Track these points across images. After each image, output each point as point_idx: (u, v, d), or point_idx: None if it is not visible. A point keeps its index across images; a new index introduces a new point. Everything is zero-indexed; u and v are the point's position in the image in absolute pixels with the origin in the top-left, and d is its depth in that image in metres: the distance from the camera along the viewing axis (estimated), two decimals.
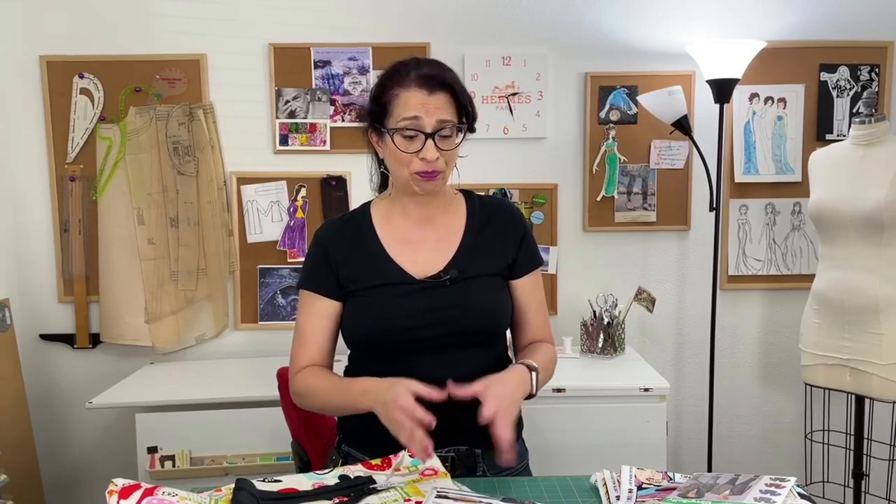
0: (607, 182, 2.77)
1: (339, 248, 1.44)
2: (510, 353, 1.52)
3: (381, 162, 1.47)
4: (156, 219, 2.70)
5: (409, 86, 1.33)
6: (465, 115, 1.37)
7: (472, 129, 1.42)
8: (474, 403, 1.40)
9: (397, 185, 1.43)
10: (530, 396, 1.34)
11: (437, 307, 1.36)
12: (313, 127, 2.73)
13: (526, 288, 1.47)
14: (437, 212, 1.44)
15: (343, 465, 1.35)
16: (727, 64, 2.48)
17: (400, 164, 1.35)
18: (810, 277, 2.45)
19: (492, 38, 2.73)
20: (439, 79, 1.34)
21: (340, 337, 1.48)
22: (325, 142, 2.74)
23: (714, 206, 2.59)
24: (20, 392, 2.62)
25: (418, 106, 1.32)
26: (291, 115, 2.73)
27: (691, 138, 2.61)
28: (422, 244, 1.42)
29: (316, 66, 2.71)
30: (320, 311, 1.43)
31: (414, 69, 1.35)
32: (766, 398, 2.92)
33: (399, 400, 1.20)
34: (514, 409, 1.25)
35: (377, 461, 1.27)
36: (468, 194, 1.50)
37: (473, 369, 1.40)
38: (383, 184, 1.52)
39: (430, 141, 1.31)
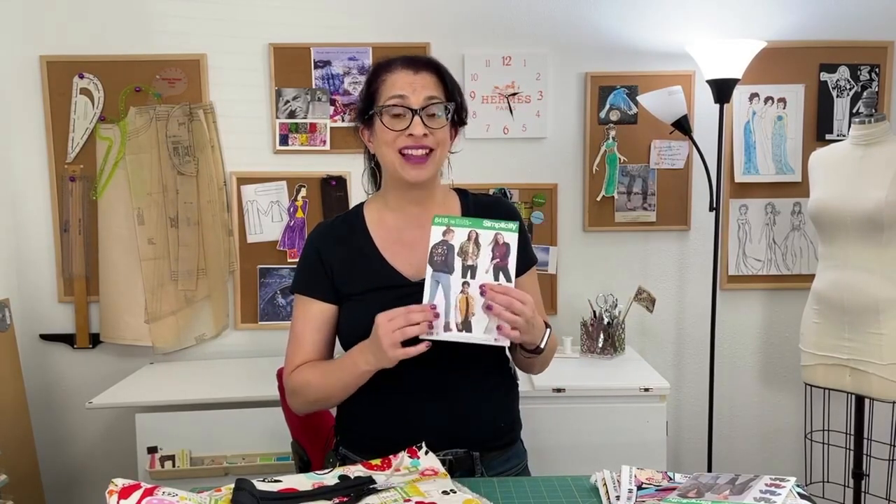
0: (607, 182, 2.77)
1: (332, 250, 1.43)
2: (507, 353, 1.51)
3: (372, 159, 1.47)
4: (156, 219, 2.70)
5: (395, 69, 1.37)
6: (453, 101, 1.38)
7: (462, 121, 1.43)
8: (473, 405, 1.41)
9: (387, 176, 1.42)
10: (536, 350, 1.34)
11: None
12: (313, 127, 2.73)
13: (524, 286, 1.46)
14: (430, 210, 1.43)
15: (342, 466, 1.35)
16: (727, 64, 2.48)
17: (388, 147, 1.35)
18: (810, 277, 2.45)
19: (492, 38, 2.73)
20: (424, 59, 1.39)
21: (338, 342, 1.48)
22: (325, 142, 2.74)
23: (714, 206, 2.59)
24: (20, 392, 2.62)
25: (405, 85, 1.34)
26: (291, 115, 2.73)
27: (691, 138, 2.61)
28: (416, 245, 1.40)
29: (316, 66, 2.71)
30: (315, 315, 1.43)
31: (400, 57, 1.39)
32: (766, 398, 2.92)
33: (380, 318, 1.23)
34: (527, 311, 1.24)
35: (377, 461, 1.27)
36: (462, 193, 1.50)
37: (470, 372, 1.40)
38: (378, 188, 1.52)
39: (416, 117, 1.32)
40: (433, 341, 1.25)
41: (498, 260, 1.26)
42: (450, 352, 1.35)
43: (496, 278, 1.26)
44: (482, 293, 1.24)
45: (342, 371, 1.34)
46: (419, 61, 1.37)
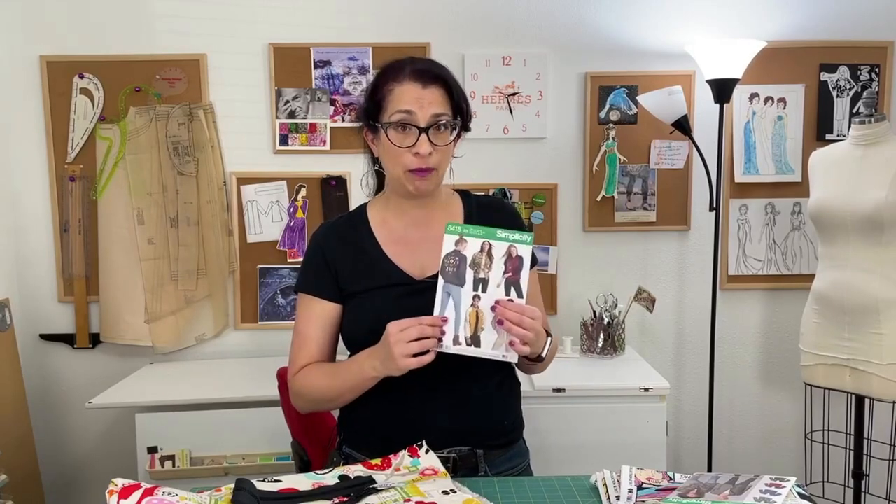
0: (607, 182, 2.77)
1: (336, 250, 1.43)
2: None
3: (375, 162, 1.47)
4: (156, 219, 2.70)
5: (403, 80, 1.34)
6: (460, 113, 1.37)
7: (466, 128, 1.42)
8: (477, 403, 1.41)
9: (392, 185, 1.43)
10: (538, 359, 1.34)
11: None
12: (313, 127, 2.73)
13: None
14: (433, 212, 1.44)
15: (344, 465, 1.35)
16: (727, 64, 2.48)
17: (393, 161, 1.35)
18: (810, 277, 2.45)
19: (492, 38, 2.73)
20: (433, 73, 1.36)
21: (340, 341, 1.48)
22: (325, 142, 2.74)
23: (714, 206, 2.59)
24: (20, 392, 2.62)
25: (412, 100, 1.32)
26: (291, 115, 2.73)
27: (691, 138, 2.61)
28: (420, 245, 1.41)
29: (316, 66, 2.71)
30: (320, 314, 1.43)
31: (409, 65, 1.36)
32: (766, 398, 2.92)
33: (391, 327, 1.24)
34: (536, 326, 1.25)
35: (377, 461, 1.27)
36: (465, 194, 1.50)
37: (475, 368, 1.40)
38: (380, 187, 1.52)
39: (423, 135, 1.31)
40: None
41: (510, 274, 1.25)
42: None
43: (507, 293, 1.25)
44: (493, 309, 1.24)
45: (348, 375, 1.35)
46: (428, 74, 1.34)
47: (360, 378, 1.32)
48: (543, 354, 1.34)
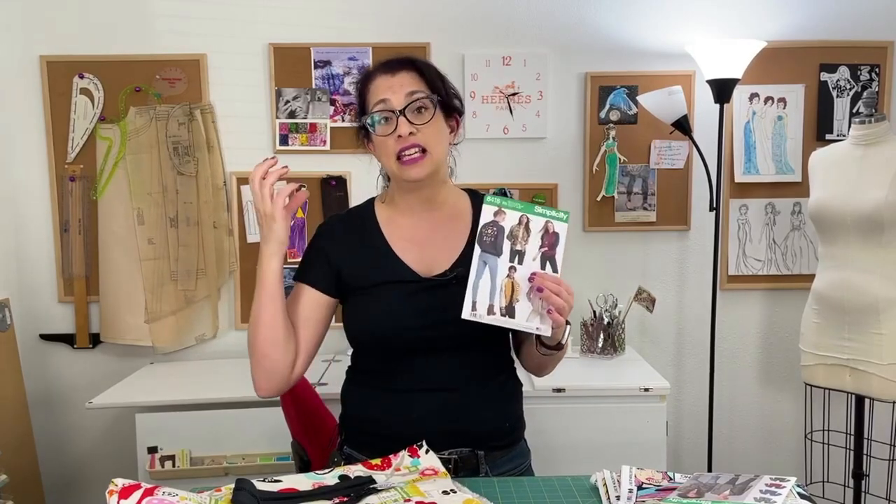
0: (607, 182, 2.77)
1: (341, 244, 1.43)
2: (512, 354, 1.52)
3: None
4: (156, 219, 2.70)
5: (374, 76, 1.38)
6: (436, 90, 1.37)
7: (456, 109, 1.42)
8: (478, 404, 1.41)
9: (394, 184, 1.43)
10: (558, 346, 1.35)
11: (445, 306, 1.33)
12: (313, 127, 2.73)
13: None
14: (441, 210, 1.44)
15: (345, 465, 1.35)
16: (727, 64, 2.48)
17: (385, 153, 1.36)
18: (810, 277, 2.45)
19: (492, 38, 2.73)
20: (400, 59, 1.39)
21: (341, 340, 1.47)
22: (325, 142, 2.74)
23: (714, 206, 2.59)
24: (20, 392, 2.62)
25: (385, 89, 1.35)
26: (291, 115, 2.73)
27: (691, 138, 2.61)
28: (427, 242, 1.41)
29: (316, 66, 2.71)
30: (303, 300, 1.42)
31: (378, 63, 1.40)
32: (766, 398, 2.92)
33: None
34: (571, 301, 1.26)
35: (377, 461, 1.27)
36: (473, 193, 1.50)
37: (478, 369, 1.40)
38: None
39: (401, 117, 1.33)
40: (474, 322, 1.23)
41: (546, 248, 1.26)
42: (456, 351, 1.35)
43: (542, 267, 1.26)
44: (530, 280, 1.24)
45: (257, 281, 1.39)
46: (395, 62, 1.38)
47: (260, 268, 1.38)
48: (563, 342, 1.34)
